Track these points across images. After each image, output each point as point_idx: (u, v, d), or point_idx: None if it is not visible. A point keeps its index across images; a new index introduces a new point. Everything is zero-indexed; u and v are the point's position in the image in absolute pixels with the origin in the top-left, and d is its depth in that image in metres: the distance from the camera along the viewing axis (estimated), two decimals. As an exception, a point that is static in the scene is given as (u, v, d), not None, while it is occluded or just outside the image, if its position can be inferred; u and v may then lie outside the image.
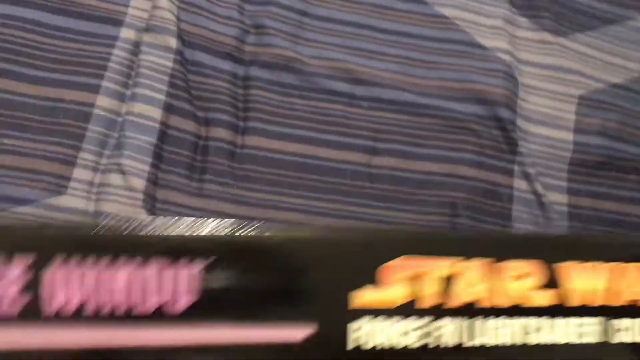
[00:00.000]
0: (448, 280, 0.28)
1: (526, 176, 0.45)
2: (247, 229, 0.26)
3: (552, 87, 0.49)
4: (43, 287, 0.24)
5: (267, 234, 0.26)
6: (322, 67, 0.45)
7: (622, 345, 0.29)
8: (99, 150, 0.40)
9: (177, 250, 0.25)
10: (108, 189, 0.39)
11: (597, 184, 0.47)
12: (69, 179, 0.39)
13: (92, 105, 0.40)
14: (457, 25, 0.48)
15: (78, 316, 0.24)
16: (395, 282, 0.27)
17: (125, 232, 0.25)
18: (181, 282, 0.25)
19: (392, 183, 0.43)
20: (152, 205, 0.39)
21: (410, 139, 0.45)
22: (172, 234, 0.25)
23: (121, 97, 0.41)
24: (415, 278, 0.28)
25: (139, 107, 0.40)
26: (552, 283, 0.29)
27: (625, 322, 0.29)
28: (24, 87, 0.40)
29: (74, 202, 0.38)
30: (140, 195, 0.39)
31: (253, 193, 0.41)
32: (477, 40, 0.49)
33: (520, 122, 0.47)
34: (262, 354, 0.25)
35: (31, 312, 0.23)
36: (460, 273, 0.28)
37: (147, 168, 0.39)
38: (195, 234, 0.25)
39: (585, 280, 0.29)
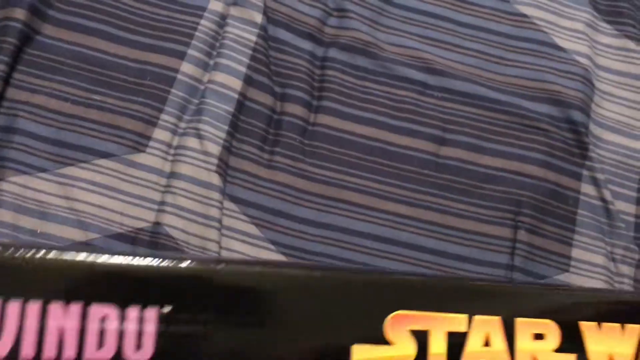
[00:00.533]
0: (459, 336, 0.25)
1: (594, 182, 0.45)
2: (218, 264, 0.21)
3: (630, 95, 0.48)
4: None
5: (245, 269, 0.22)
6: (398, 54, 0.46)
7: None
8: (179, 113, 0.41)
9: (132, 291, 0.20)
10: (185, 151, 0.40)
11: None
12: (149, 138, 0.40)
13: (176, 70, 0.42)
14: (537, 25, 0.48)
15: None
16: (404, 337, 0.24)
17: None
18: (134, 334, 0.20)
19: (459, 174, 0.43)
20: (225, 171, 0.40)
21: (480, 132, 0.45)
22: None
23: (204, 66, 0.43)
24: (426, 333, 0.24)
25: (220, 77, 0.42)
26: (571, 345, 0.27)
27: None
28: (116, 48, 0.42)
29: (151, 160, 0.40)
30: (215, 160, 0.40)
31: (320, 170, 0.42)
32: (555, 41, 0.48)
33: (593, 127, 0.46)
34: None
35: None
36: (474, 329, 0.25)
37: (223, 135, 0.41)
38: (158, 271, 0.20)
39: (608, 344, 0.27)
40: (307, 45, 0.45)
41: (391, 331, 0.24)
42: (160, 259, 0.21)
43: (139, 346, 0.20)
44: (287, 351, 0.22)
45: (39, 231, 0.38)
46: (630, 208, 0.46)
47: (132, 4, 0.44)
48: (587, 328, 0.27)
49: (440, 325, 0.24)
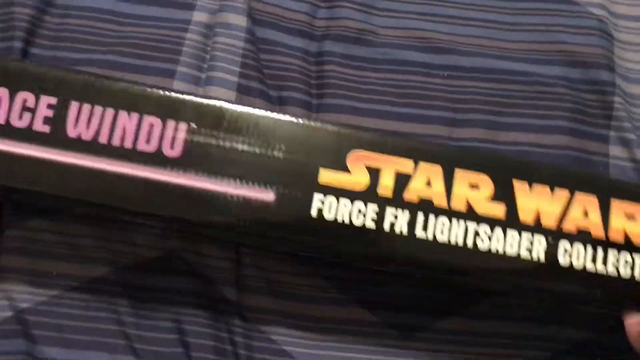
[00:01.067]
0: (406, 176, 0.32)
1: (623, 142, 0.42)
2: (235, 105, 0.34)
3: (653, 41, 0.44)
4: (68, 119, 0.33)
5: (253, 112, 0.33)
6: (396, 37, 0.44)
7: (570, 270, 0.32)
8: (176, 134, 0.40)
9: (170, 111, 0.33)
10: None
11: None
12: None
13: (169, 90, 0.40)
14: (543, -19, 0.45)
15: (93, 143, 0.33)
16: (360, 170, 0.32)
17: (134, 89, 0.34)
18: (170, 138, 0.33)
19: (475, 155, 0.41)
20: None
21: (494, 107, 0.43)
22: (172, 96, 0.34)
23: (196, 81, 0.42)
24: (379, 170, 0.32)
25: (214, 91, 0.41)
26: (504, 197, 0.32)
27: (576, 247, 0.32)
28: (105, 74, 0.40)
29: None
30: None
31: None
32: (566, -5, 0.45)
33: (618, 83, 0.43)
34: (239, 207, 0.32)
35: (57, 135, 0.33)
36: (418, 172, 0.33)
37: (223, 150, 0.39)
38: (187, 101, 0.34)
39: (537, 201, 0.32)
40: (298, 42, 0.44)
41: (351, 163, 0.32)
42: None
43: (172, 147, 0.32)
44: (272, 165, 0.32)
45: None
46: (667, 164, 0.42)
47: (115, 27, 0.43)
48: (519, 185, 0.33)
49: (390, 165, 0.32)
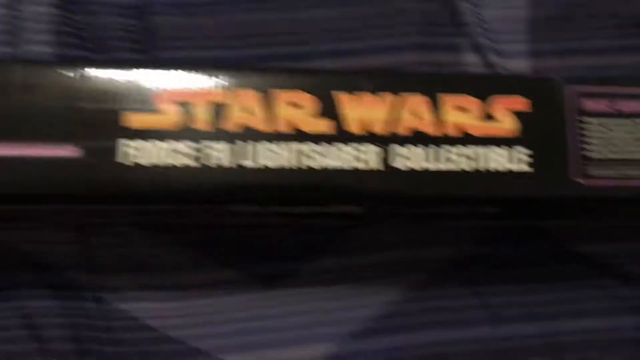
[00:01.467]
0: (221, 106, 0.31)
1: (476, 48, 0.40)
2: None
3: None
4: None
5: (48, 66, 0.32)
6: (220, -25, 0.40)
7: (404, 172, 0.31)
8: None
9: None
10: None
11: (565, 40, 0.42)
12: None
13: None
14: None
15: None
16: (170, 108, 0.30)
17: None
18: None
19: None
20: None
21: (340, 34, 0.42)
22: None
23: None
24: (188, 104, 0.31)
25: (28, 65, 0.37)
26: (328, 112, 0.31)
27: (407, 149, 0.31)
28: None
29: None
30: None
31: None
32: None
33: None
34: (43, 170, 0.29)
35: None
36: (233, 100, 0.31)
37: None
38: None
39: (363, 110, 0.31)
40: (116, -4, 0.40)
41: (159, 103, 0.30)
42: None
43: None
44: (72, 118, 0.30)
45: None
46: (525, 64, 0.42)
47: None
48: (341, 97, 0.31)
49: (203, 98, 0.31)
